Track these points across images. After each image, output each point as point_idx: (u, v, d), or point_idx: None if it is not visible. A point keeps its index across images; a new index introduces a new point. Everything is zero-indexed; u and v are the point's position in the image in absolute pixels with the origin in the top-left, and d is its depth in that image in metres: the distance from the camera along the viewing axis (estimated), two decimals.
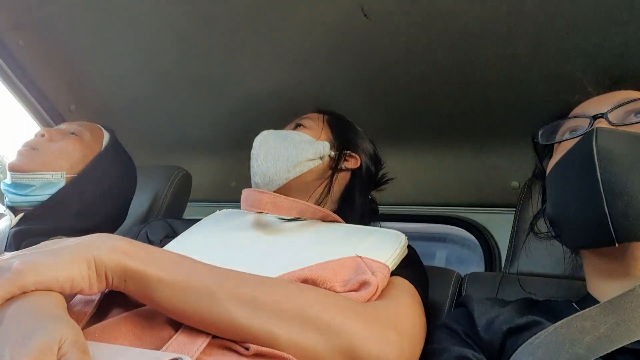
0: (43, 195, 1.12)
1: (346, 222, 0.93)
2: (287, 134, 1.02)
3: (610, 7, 0.92)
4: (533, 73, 1.09)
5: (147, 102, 1.52)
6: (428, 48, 1.11)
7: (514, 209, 1.06)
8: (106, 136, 1.24)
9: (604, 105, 0.71)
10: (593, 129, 0.64)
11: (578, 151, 0.66)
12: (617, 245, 0.60)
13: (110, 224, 1.19)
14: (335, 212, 0.94)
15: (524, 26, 1.00)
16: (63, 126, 1.22)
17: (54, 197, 1.11)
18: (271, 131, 1.04)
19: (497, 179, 1.36)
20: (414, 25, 1.06)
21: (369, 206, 1.06)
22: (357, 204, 0.99)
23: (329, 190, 0.98)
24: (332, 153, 1.01)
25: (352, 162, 1.03)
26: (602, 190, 0.60)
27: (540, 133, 0.78)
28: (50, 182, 1.12)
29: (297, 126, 1.05)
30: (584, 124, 0.71)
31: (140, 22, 1.23)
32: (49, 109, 1.56)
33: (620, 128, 0.66)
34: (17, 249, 1.02)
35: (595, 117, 0.69)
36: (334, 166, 1.00)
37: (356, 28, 1.10)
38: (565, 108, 0.79)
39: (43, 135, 1.16)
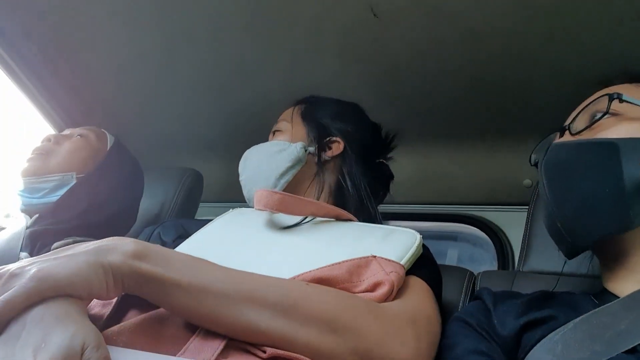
0: (56, 196, 1.16)
1: (348, 209, 0.91)
2: (263, 148, 1.01)
3: (622, 2, 0.92)
4: (543, 71, 1.09)
5: (158, 103, 1.52)
6: (438, 47, 1.10)
7: (527, 207, 1.05)
8: (110, 139, 1.29)
9: (574, 112, 0.74)
10: (547, 148, 0.70)
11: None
12: (580, 253, 0.69)
13: (118, 221, 1.21)
14: (335, 203, 0.93)
15: (535, 24, 0.99)
16: (68, 131, 1.27)
17: (64, 196, 1.15)
18: (251, 150, 1.04)
19: (509, 176, 1.36)
20: (423, 25, 1.06)
21: (375, 180, 1.02)
22: (356, 188, 0.95)
23: (322, 186, 0.97)
24: (312, 149, 0.98)
25: (335, 148, 0.99)
26: (551, 206, 0.66)
27: (534, 151, 0.81)
28: (62, 182, 1.16)
29: (275, 132, 1.04)
30: (556, 138, 0.75)
31: (151, 26, 1.24)
32: (60, 111, 1.58)
33: (581, 134, 0.69)
34: (33, 249, 1.04)
35: (562, 130, 0.73)
36: (317, 161, 0.98)
37: (366, 28, 1.10)
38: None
39: (50, 140, 1.21)
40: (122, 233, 1.16)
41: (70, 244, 1.02)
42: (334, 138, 1.00)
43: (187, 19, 1.20)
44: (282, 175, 0.95)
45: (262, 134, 1.07)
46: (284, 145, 0.98)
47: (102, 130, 1.30)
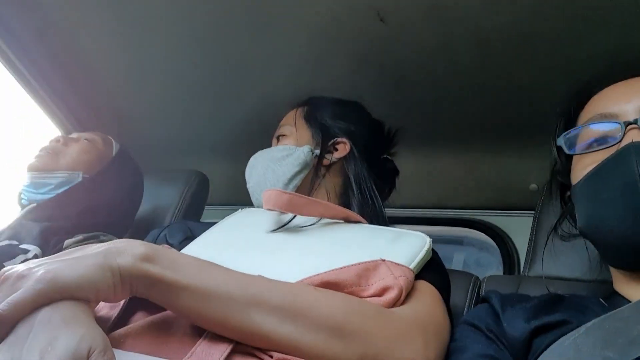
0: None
1: (353, 209, 0.91)
2: (269, 154, 1.00)
3: (630, 6, 0.91)
4: (551, 75, 1.09)
5: (164, 106, 1.53)
6: (445, 52, 1.10)
7: (533, 212, 1.05)
8: (116, 146, 1.32)
9: (631, 104, 0.67)
10: (630, 147, 0.62)
11: (617, 171, 0.63)
12: None
13: (114, 226, 1.23)
14: (342, 204, 0.92)
15: (543, 30, 0.99)
16: (75, 135, 1.30)
17: (65, 193, 1.17)
18: (257, 155, 1.03)
19: (515, 181, 1.35)
20: (430, 30, 1.06)
21: (380, 177, 1.02)
22: (361, 189, 0.95)
23: (329, 188, 0.97)
24: (318, 152, 0.98)
25: (341, 149, 0.99)
26: None
27: (564, 138, 0.74)
28: (68, 180, 1.18)
29: (279, 137, 1.04)
30: (614, 132, 0.67)
31: (159, 29, 1.24)
32: (68, 113, 1.58)
33: None
34: (45, 244, 1.06)
35: (626, 124, 0.65)
36: (318, 164, 0.97)
37: (372, 32, 1.10)
38: (583, 92, 0.77)
39: (59, 141, 1.23)
40: (118, 236, 1.17)
41: (81, 240, 1.05)
42: (339, 139, 1.00)
43: (194, 23, 1.20)
44: (290, 180, 0.95)
45: (268, 137, 1.07)
46: (290, 150, 0.98)
47: (108, 137, 1.33)
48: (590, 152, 0.69)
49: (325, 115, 1.03)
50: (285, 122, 1.06)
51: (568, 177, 0.75)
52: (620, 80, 0.73)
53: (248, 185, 1.03)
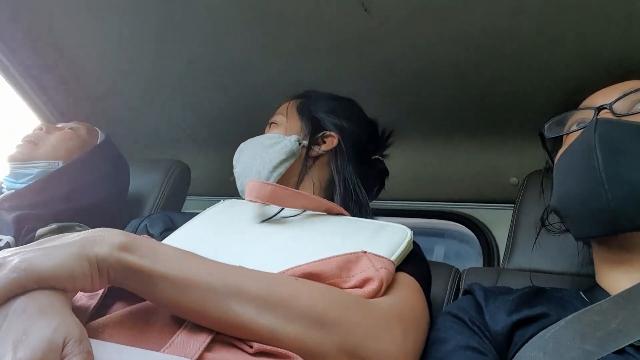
0: None
1: (341, 203, 0.92)
2: (258, 141, 1.00)
3: (610, 5, 0.92)
4: (532, 71, 1.09)
5: (146, 95, 1.51)
6: (428, 44, 1.10)
7: (513, 205, 1.06)
8: (101, 136, 1.32)
9: (609, 96, 0.72)
10: (594, 120, 0.66)
11: (580, 142, 0.67)
12: (620, 234, 0.62)
13: (101, 212, 1.21)
14: (326, 197, 0.93)
15: (525, 22, 0.99)
16: (60, 125, 1.29)
17: (45, 179, 1.16)
18: (246, 143, 1.03)
19: (496, 175, 1.36)
20: (414, 21, 1.06)
21: (369, 176, 1.03)
22: (345, 183, 0.96)
23: (314, 180, 0.97)
24: (305, 142, 0.98)
25: (329, 142, 0.99)
26: (603, 179, 0.61)
27: (547, 126, 0.79)
28: (47, 170, 1.18)
29: (270, 125, 1.04)
30: (589, 116, 0.72)
31: (140, 16, 1.23)
32: (47, 102, 1.56)
33: (624, 118, 0.67)
34: (19, 233, 1.04)
35: (599, 109, 0.70)
36: (306, 155, 0.98)
37: (356, 23, 1.09)
38: (574, 100, 0.80)
39: (42, 129, 1.23)
40: (107, 224, 1.15)
41: (55, 230, 1.03)
42: (328, 132, 1.00)
43: (179, 13, 1.19)
44: (275, 168, 0.95)
45: (253, 129, 1.07)
46: (278, 139, 0.98)
47: (94, 127, 1.32)
48: (568, 133, 0.76)
49: (319, 109, 1.03)
50: (279, 111, 1.06)
51: None
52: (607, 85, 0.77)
53: (235, 170, 1.03)
